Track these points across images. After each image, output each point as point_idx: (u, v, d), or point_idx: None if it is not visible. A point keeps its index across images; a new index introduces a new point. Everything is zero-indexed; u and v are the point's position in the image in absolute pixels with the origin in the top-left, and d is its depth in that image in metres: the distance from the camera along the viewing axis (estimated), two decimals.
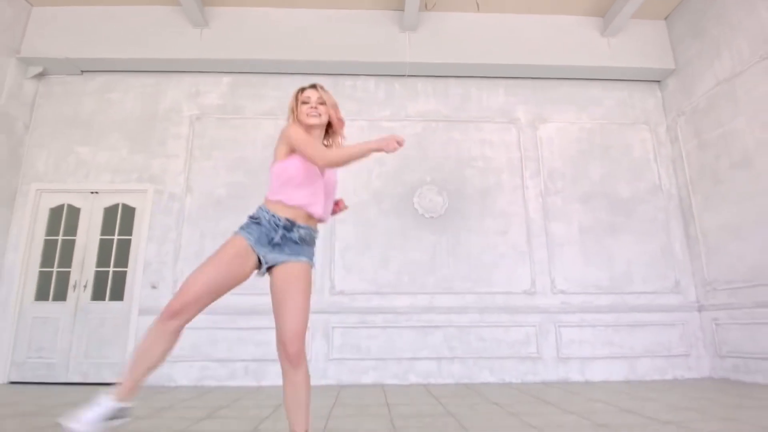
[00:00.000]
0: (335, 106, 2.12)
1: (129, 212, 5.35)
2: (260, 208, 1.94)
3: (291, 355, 1.80)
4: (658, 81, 6.25)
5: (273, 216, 1.89)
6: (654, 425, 2.75)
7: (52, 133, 5.56)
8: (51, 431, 2.73)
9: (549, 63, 5.86)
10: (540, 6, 5.92)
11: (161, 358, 1.79)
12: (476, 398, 3.96)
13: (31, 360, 4.89)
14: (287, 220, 1.89)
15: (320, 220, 2.03)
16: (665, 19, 6.19)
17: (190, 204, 5.35)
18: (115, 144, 5.52)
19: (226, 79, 5.80)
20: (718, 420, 2.90)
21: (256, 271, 1.92)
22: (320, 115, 2.05)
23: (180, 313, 1.78)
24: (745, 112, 4.92)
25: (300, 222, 1.92)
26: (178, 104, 5.68)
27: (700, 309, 5.41)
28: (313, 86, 2.11)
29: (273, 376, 4.89)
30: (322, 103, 2.06)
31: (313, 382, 4.93)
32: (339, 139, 2.14)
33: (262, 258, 1.88)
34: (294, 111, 2.08)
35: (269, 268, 1.93)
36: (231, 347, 4.96)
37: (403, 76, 5.91)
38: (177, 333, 1.81)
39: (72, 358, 4.90)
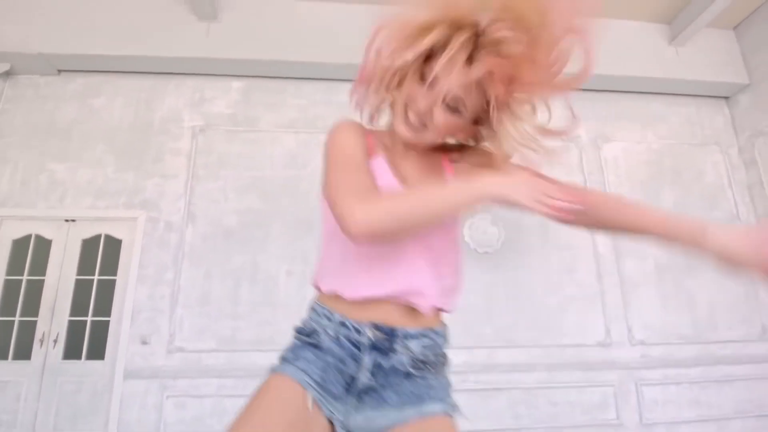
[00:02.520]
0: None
1: (114, 246, 4.28)
2: (316, 308, 1.04)
3: None
4: (726, 97, 5.54)
5: (344, 324, 0.94)
6: None
7: (21, 144, 4.48)
8: None
9: (611, 72, 5.06)
10: (602, 9, 5.15)
11: None
12: None
13: None
14: (375, 327, 0.93)
15: (442, 310, 1.04)
16: (734, 29, 5.50)
17: (191, 235, 4.31)
18: (99, 160, 4.47)
19: (237, 84, 4.83)
20: None
21: None
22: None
23: None
24: None
25: (405, 325, 0.95)
26: (178, 113, 4.68)
27: None
28: None
29: None
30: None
31: None
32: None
33: (336, 422, 0.91)
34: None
35: None
36: None
37: None
38: None
39: None
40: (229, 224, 4.36)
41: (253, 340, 4.05)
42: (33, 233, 4.26)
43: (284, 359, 0.97)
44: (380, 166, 0.94)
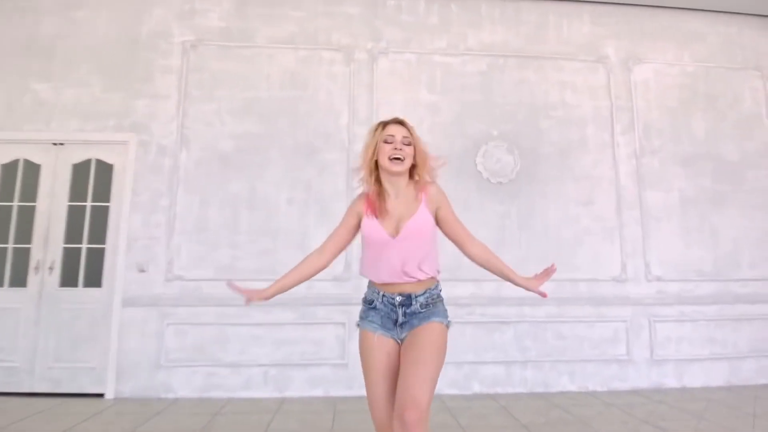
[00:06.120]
0: (424, 152, 1.81)
1: (105, 170, 4.08)
2: (369, 288, 1.80)
3: (407, 423, 1.48)
4: None
5: (385, 296, 1.74)
6: None
7: (1, 63, 4.17)
8: None
9: None
10: None
11: None
12: (563, 413, 2.93)
13: None
14: (401, 295, 1.72)
15: (429, 277, 1.75)
16: None
17: (186, 160, 4.07)
18: (84, 79, 4.16)
19: None
20: None
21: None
22: (404, 159, 1.75)
23: None
24: None
25: (414, 291, 1.72)
26: (167, 26, 4.28)
27: None
28: (399, 122, 1.81)
29: (299, 384, 3.81)
30: (408, 144, 1.77)
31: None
32: (426, 176, 1.82)
33: (396, 339, 1.72)
34: (371, 151, 1.76)
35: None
36: (245, 348, 3.84)
37: None
38: None
39: (38, 361, 3.77)
40: (225, 149, 4.09)
41: (254, 269, 3.91)
42: (21, 158, 4.05)
43: (362, 320, 1.74)
44: (370, 220, 1.74)
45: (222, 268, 3.91)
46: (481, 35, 4.49)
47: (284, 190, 4.06)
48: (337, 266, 4.01)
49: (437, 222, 1.79)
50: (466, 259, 4.10)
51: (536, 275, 1.79)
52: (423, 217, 1.73)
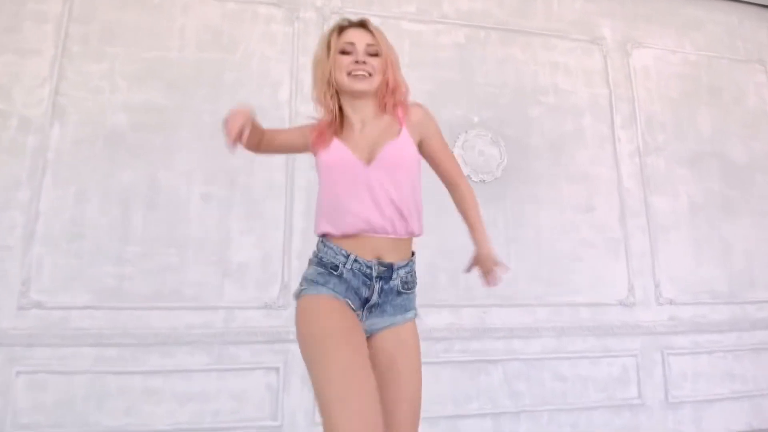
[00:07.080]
0: (396, 63, 1.40)
1: None
2: (325, 246, 1.30)
3: None
4: None
5: (357, 261, 1.26)
6: None
7: None
8: None
9: None
10: None
11: None
12: None
13: None
14: (381, 264, 1.27)
15: (412, 234, 1.35)
16: None
17: (59, 139, 2.92)
18: None
19: None
20: None
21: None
22: (370, 75, 1.33)
23: None
24: None
25: (397, 258, 1.30)
26: None
27: None
28: (361, 24, 1.37)
29: None
30: (375, 54, 1.35)
31: None
32: (398, 112, 1.38)
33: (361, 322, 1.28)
34: (324, 64, 1.35)
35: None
36: (134, 406, 2.68)
37: None
38: None
39: None
40: (116, 125, 2.97)
41: (150, 294, 2.78)
42: None
43: (315, 282, 1.26)
44: (330, 143, 1.33)
45: (103, 291, 2.75)
46: (457, 2, 3.66)
47: (198, 183, 2.98)
48: (271, 289, 2.97)
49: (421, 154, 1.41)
50: (441, 279, 3.18)
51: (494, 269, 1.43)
52: (405, 142, 1.34)
